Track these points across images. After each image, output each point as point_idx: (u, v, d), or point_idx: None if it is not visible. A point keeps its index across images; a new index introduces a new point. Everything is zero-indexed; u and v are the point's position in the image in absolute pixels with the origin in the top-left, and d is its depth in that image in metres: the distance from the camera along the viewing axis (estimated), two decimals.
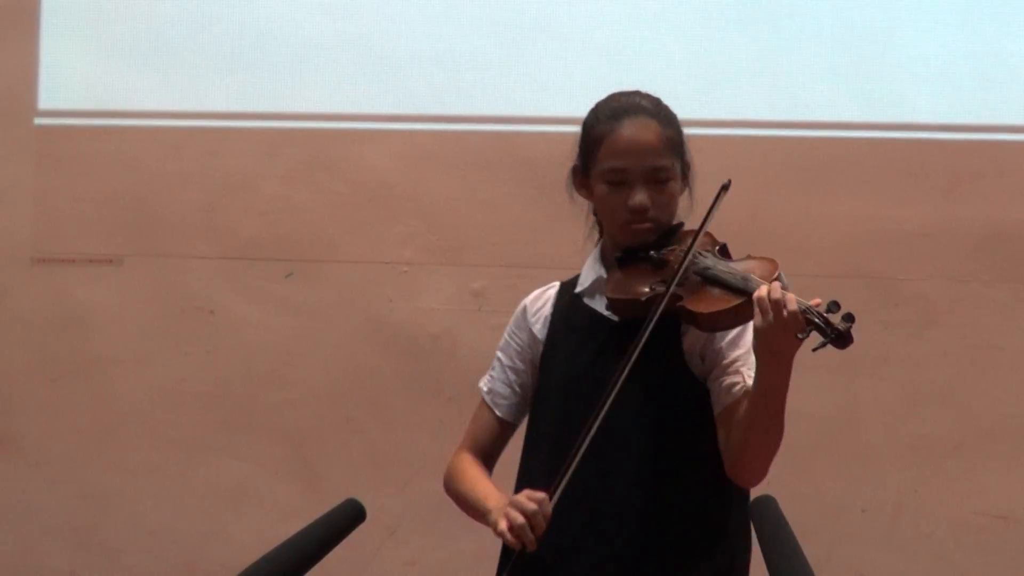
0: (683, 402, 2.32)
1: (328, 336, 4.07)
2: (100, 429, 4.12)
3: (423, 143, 4.06)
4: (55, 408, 4.14)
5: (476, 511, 2.36)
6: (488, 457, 2.51)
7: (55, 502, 4.12)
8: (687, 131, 2.42)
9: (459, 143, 4.05)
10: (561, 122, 3.95)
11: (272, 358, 4.09)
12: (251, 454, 4.08)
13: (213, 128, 4.13)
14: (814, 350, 2.13)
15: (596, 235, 2.49)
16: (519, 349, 2.50)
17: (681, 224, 2.40)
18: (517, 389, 2.50)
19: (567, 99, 3.96)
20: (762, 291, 2.15)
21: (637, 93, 2.42)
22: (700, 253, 2.30)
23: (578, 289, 2.45)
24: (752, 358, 2.23)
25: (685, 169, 2.41)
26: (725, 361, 2.30)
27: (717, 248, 2.35)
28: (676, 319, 2.28)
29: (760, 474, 2.28)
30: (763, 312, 2.14)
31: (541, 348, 2.47)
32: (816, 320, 2.11)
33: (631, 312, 2.31)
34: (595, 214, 2.49)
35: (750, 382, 2.24)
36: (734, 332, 2.29)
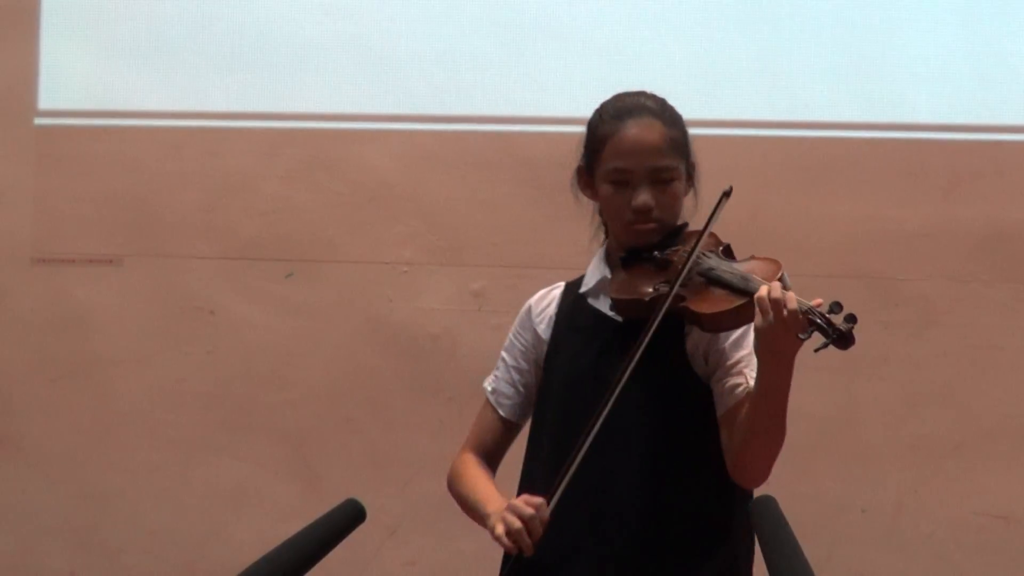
0: (686, 403, 2.33)
1: (328, 336, 4.07)
2: (100, 429, 4.12)
3: (423, 143, 4.06)
4: (55, 408, 4.14)
5: (476, 514, 2.37)
6: (492, 457, 2.51)
7: (55, 502, 4.12)
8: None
9: (459, 143, 4.05)
10: (561, 122, 3.97)
11: (272, 358, 4.09)
12: (251, 454, 4.08)
13: (213, 128, 4.12)
14: (816, 351, 2.14)
15: (602, 235, 2.48)
16: (523, 349, 2.50)
17: (685, 224, 2.40)
18: (521, 389, 2.50)
19: (567, 99, 3.96)
20: (762, 291, 2.16)
21: (642, 93, 2.42)
22: (704, 254, 2.31)
23: (583, 289, 2.45)
24: (755, 359, 2.23)
25: (690, 170, 2.41)
26: (729, 362, 2.30)
27: (721, 249, 2.35)
28: (680, 319, 2.29)
29: (762, 475, 2.28)
30: (763, 312, 2.14)
31: (545, 348, 2.47)
32: (818, 321, 2.11)
33: (635, 312, 2.31)
34: (600, 214, 2.49)
35: (753, 383, 2.24)
36: (737, 333, 2.29)
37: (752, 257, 2.33)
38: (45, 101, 4.17)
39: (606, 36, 4.01)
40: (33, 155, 4.17)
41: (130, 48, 4.14)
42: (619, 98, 2.43)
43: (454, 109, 4.05)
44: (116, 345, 4.12)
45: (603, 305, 2.40)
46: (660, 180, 2.36)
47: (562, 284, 2.53)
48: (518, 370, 2.51)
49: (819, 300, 2.15)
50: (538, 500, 2.23)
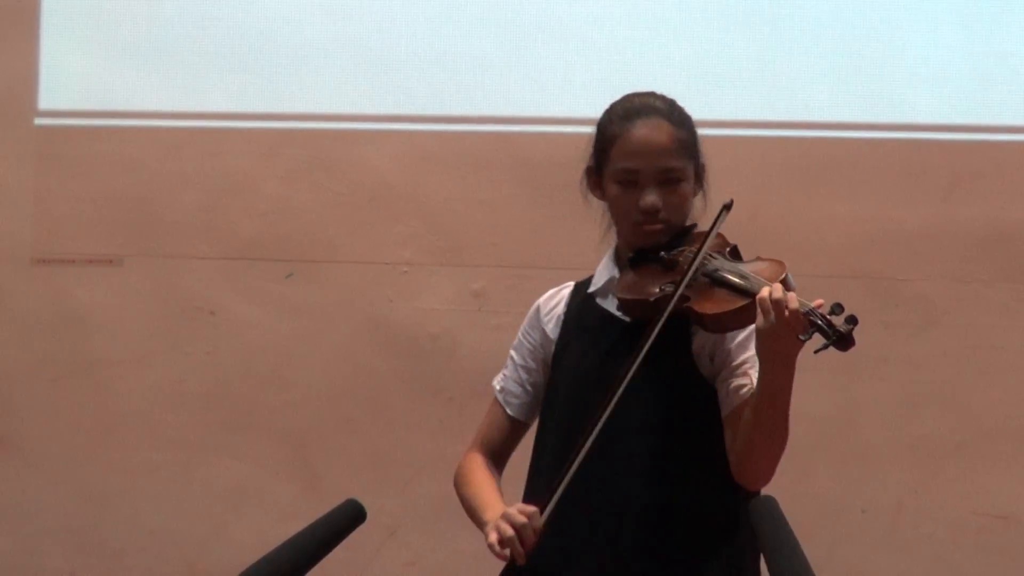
0: (691, 403, 2.33)
1: (328, 336, 4.07)
2: (100, 429, 4.12)
3: (423, 143, 4.06)
4: (55, 408, 4.14)
5: (476, 520, 2.37)
6: (499, 456, 2.52)
7: (55, 502, 4.12)
8: None
9: (459, 143, 4.05)
10: (561, 123, 3.97)
11: (272, 358, 4.09)
12: (251, 454, 4.08)
13: (213, 128, 4.12)
14: (816, 352, 2.14)
15: (612, 236, 2.48)
16: (531, 348, 2.51)
17: (694, 225, 2.41)
18: (529, 388, 2.51)
19: (567, 100, 3.97)
20: (764, 292, 2.16)
21: (651, 94, 2.43)
22: (711, 255, 2.31)
23: (591, 289, 2.46)
24: None
25: (699, 171, 2.41)
26: (734, 363, 2.30)
27: (728, 250, 2.36)
28: (685, 320, 2.29)
29: (765, 476, 2.29)
30: (765, 313, 2.15)
31: (553, 348, 2.47)
32: (818, 322, 2.12)
33: (641, 312, 2.32)
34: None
35: None
36: (743, 334, 2.29)
37: (758, 258, 2.33)
38: (45, 101, 4.17)
39: (606, 36, 4.01)
40: (33, 155, 4.17)
41: (130, 48, 4.14)
42: (628, 98, 2.43)
43: (454, 109, 4.05)
44: (116, 345, 4.12)
45: (611, 305, 2.41)
46: (668, 181, 2.36)
47: (571, 284, 2.53)
48: (526, 369, 2.51)
49: (820, 301, 2.15)
50: (531, 509, 2.23)
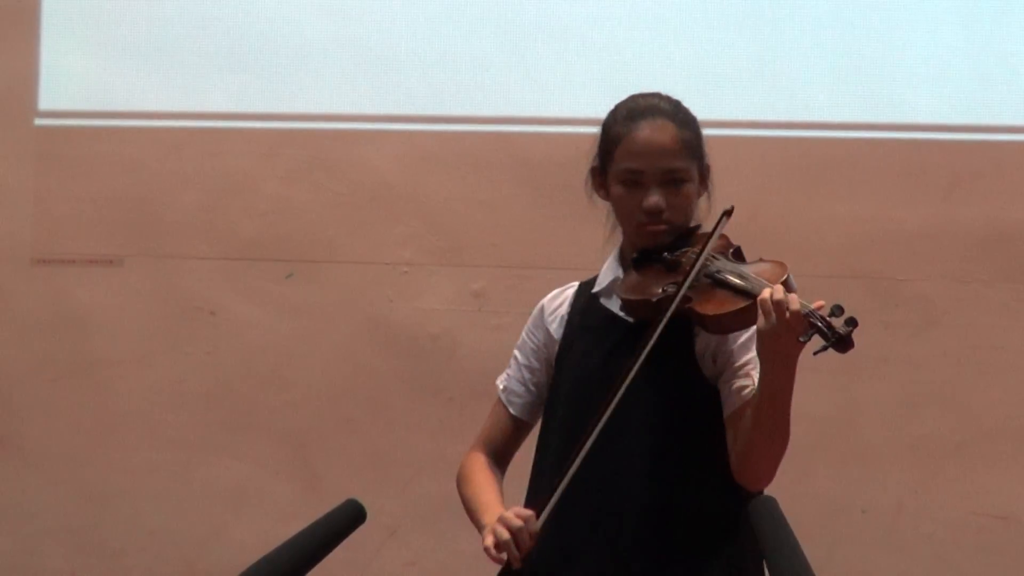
0: (693, 404, 2.33)
1: (328, 336, 4.07)
2: (100, 429, 4.12)
3: (423, 144, 4.06)
4: (55, 408, 4.14)
5: (475, 522, 2.38)
6: (501, 456, 2.51)
7: (55, 502, 4.12)
8: None
9: (459, 144, 4.05)
10: (561, 123, 3.98)
11: (272, 358, 4.09)
12: (251, 454, 4.08)
13: (213, 128, 4.12)
14: (815, 353, 2.14)
15: (617, 236, 2.48)
16: (535, 348, 2.51)
17: (698, 226, 2.41)
18: (532, 388, 2.51)
19: (567, 100, 3.97)
20: (765, 293, 2.16)
21: (657, 95, 2.43)
22: (714, 256, 2.31)
23: (595, 289, 2.46)
24: None
25: (703, 172, 2.41)
26: (736, 364, 2.30)
27: (731, 251, 2.36)
28: (688, 321, 2.29)
29: (766, 477, 2.29)
30: (765, 314, 2.15)
31: (557, 348, 2.47)
32: (818, 323, 2.12)
33: (643, 313, 2.32)
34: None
35: None
36: (746, 335, 2.29)
37: (760, 260, 2.34)
38: (45, 101, 4.17)
39: (606, 37, 4.01)
40: (33, 155, 4.17)
41: (130, 48, 4.14)
42: (633, 99, 2.44)
43: (454, 109, 4.06)
44: (116, 345, 4.12)
45: (615, 305, 2.41)
46: (672, 181, 2.36)
47: (576, 284, 2.54)
48: (529, 369, 2.51)
49: (820, 302, 2.15)
50: (527, 512, 2.24)
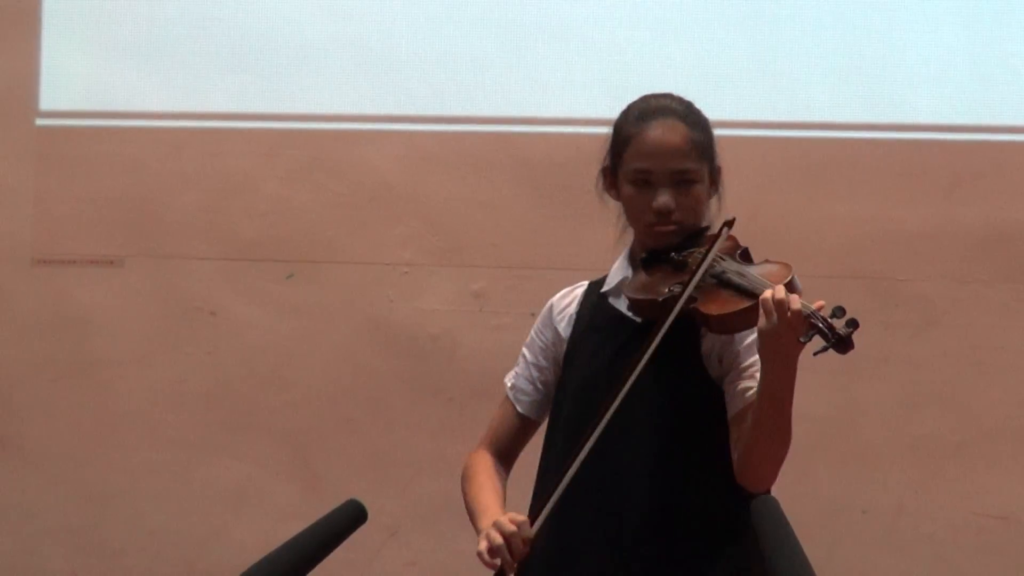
0: (698, 404, 2.33)
1: (328, 337, 4.07)
2: (101, 430, 4.12)
3: (423, 144, 4.06)
4: (56, 409, 4.14)
5: (473, 524, 2.38)
6: (507, 454, 2.52)
7: (56, 502, 4.12)
8: None
9: (459, 144, 4.05)
10: (561, 123, 3.98)
11: (273, 359, 4.09)
12: (252, 455, 4.08)
13: (214, 129, 4.12)
14: (815, 354, 2.14)
15: (629, 236, 2.48)
16: (543, 346, 2.51)
17: (708, 228, 2.41)
18: (540, 386, 2.51)
19: (567, 100, 3.97)
20: (767, 293, 2.16)
21: (669, 95, 2.43)
22: (720, 257, 2.32)
23: (604, 289, 2.46)
24: None
25: (714, 173, 2.42)
26: (742, 365, 2.30)
27: (739, 252, 2.36)
28: (694, 321, 2.29)
29: (767, 479, 2.28)
30: (767, 313, 2.15)
31: (564, 347, 2.47)
32: (819, 324, 2.12)
33: (650, 312, 2.32)
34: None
35: None
36: (752, 337, 2.29)
37: (766, 261, 2.34)
38: (46, 102, 4.17)
39: (606, 37, 4.01)
40: (34, 156, 4.17)
41: (131, 49, 4.15)
42: (645, 99, 2.44)
43: (454, 110, 4.06)
44: (117, 346, 4.12)
45: (623, 305, 2.41)
46: (681, 182, 2.36)
47: (585, 283, 2.54)
48: (537, 367, 2.51)
49: (821, 303, 2.15)
50: (521, 518, 2.24)
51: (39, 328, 4.15)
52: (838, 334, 2.11)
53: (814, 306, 2.14)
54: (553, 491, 2.26)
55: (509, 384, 2.54)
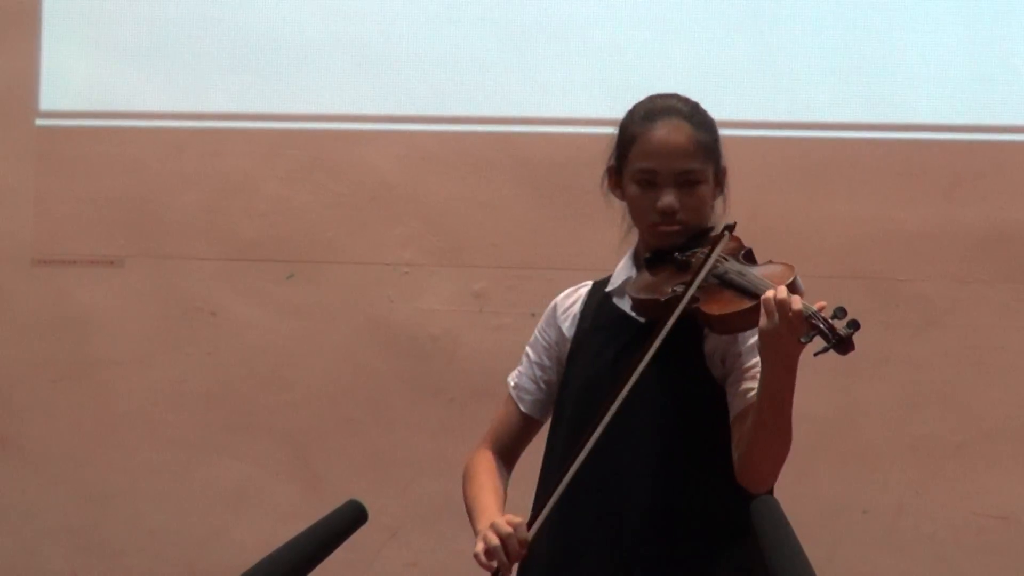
0: (701, 404, 2.33)
1: (329, 337, 4.07)
2: (101, 430, 4.12)
3: (424, 144, 4.06)
4: (56, 409, 4.14)
5: (472, 525, 2.38)
6: (509, 453, 2.51)
7: (56, 503, 4.12)
8: None
9: (460, 144, 4.05)
10: (562, 123, 3.98)
11: (273, 359, 4.09)
12: (252, 455, 4.08)
13: (214, 129, 4.12)
14: (816, 355, 2.14)
15: (634, 236, 2.48)
16: (546, 346, 2.51)
17: (711, 228, 2.41)
18: (543, 386, 2.51)
19: (568, 100, 3.97)
20: (769, 293, 2.17)
21: (675, 96, 2.44)
22: (724, 257, 2.32)
23: (608, 288, 2.46)
24: None
25: (719, 174, 2.42)
26: (744, 366, 2.30)
27: (742, 253, 2.37)
28: (695, 321, 2.30)
29: (768, 479, 2.28)
30: (768, 313, 2.15)
31: (568, 346, 2.47)
32: (820, 325, 2.12)
33: (652, 312, 2.33)
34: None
35: None
36: (755, 338, 2.29)
37: (770, 261, 2.35)
38: (46, 102, 4.17)
39: (606, 37, 4.01)
40: (34, 156, 4.17)
41: (131, 49, 4.14)
42: (651, 99, 2.44)
43: (454, 110, 4.06)
44: (117, 346, 4.12)
45: (627, 305, 2.41)
46: (686, 183, 2.36)
47: (589, 283, 2.54)
48: (541, 366, 2.51)
49: (822, 303, 2.15)
50: (517, 519, 2.24)
51: (39, 328, 4.15)
52: (839, 335, 2.11)
53: (815, 307, 2.14)
54: (553, 492, 2.26)
55: (512, 383, 2.54)
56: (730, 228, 2.34)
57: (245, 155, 4.12)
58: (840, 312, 2.13)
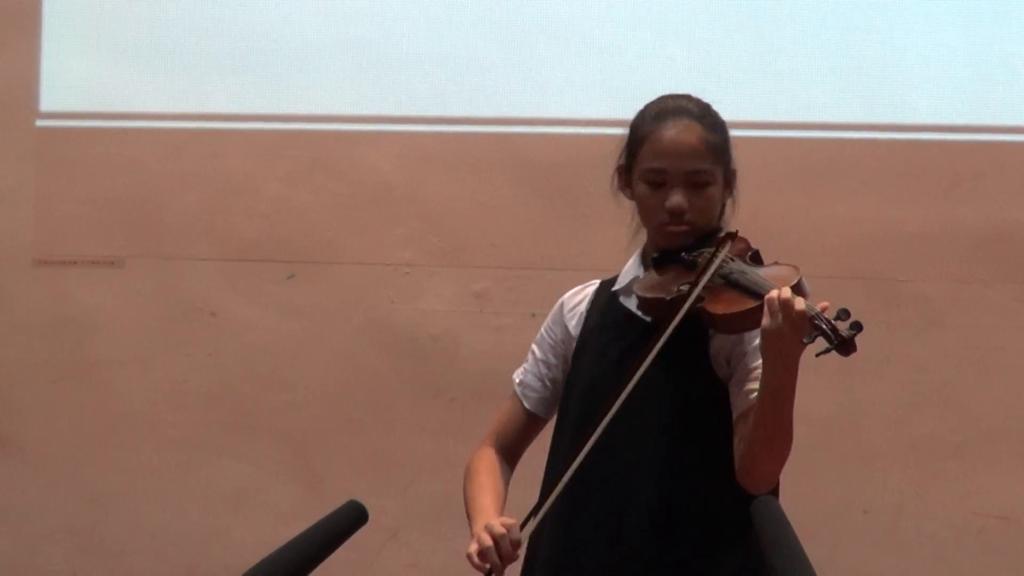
0: (705, 405, 2.33)
1: (329, 338, 4.07)
2: (101, 430, 4.12)
3: (424, 145, 4.06)
4: (56, 409, 4.14)
5: (469, 525, 2.38)
6: (512, 451, 2.51)
7: (56, 503, 4.12)
8: None
9: (460, 145, 4.05)
10: (562, 124, 3.98)
11: (273, 360, 4.09)
12: (252, 456, 4.08)
13: (214, 130, 4.12)
14: (818, 355, 2.15)
15: (643, 236, 2.48)
16: (552, 344, 2.51)
17: (719, 229, 2.41)
18: (548, 383, 2.51)
19: (568, 101, 3.97)
20: (772, 293, 2.17)
21: (686, 97, 2.44)
22: (730, 258, 2.32)
23: (615, 287, 2.46)
24: None
25: (729, 176, 2.42)
26: (749, 367, 2.31)
27: (749, 254, 2.37)
28: (700, 321, 2.30)
29: (768, 479, 2.28)
30: (771, 313, 2.15)
31: (574, 345, 2.47)
32: (823, 326, 2.12)
33: (658, 311, 2.33)
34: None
35: None
36: (760, 339, 2.29)
37: (776, 263, 2.35)
38: (46, 103, 4.17)
39: (607, 37, 4.00)
40: (34, 157, 4.17)
41: (131, 50, 4.15)
42: (662, 100, 2.45)
43: (455, 111, 4.06)
44: (117, 347, 4.12)
45: (633, 304, 2.41)
46: (695, 183, 2.36)
47: (597, 282, 2.54)
48: (546, 364, 2.51)
49: (825, 303, 2.16)
50: (511, 521, 2.24)
51: (40, 329, 4.15)
52: (841, 336, 2.11)
53: (818, 307, 2.15)
54: (550, 491, 2.26)
55: (517, 380, 2.54)
56: (731, 236, 2.35)
57: (245, 156, 4.12)
58: (844, 314, 2.13)
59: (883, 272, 3.91)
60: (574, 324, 2.49)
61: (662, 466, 2.32)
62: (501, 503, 2.41)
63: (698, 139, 2.37)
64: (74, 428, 4.13)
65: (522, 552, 2.30)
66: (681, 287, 2.31)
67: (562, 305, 2.53)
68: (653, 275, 2.39)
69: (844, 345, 2.12)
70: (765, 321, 2.16)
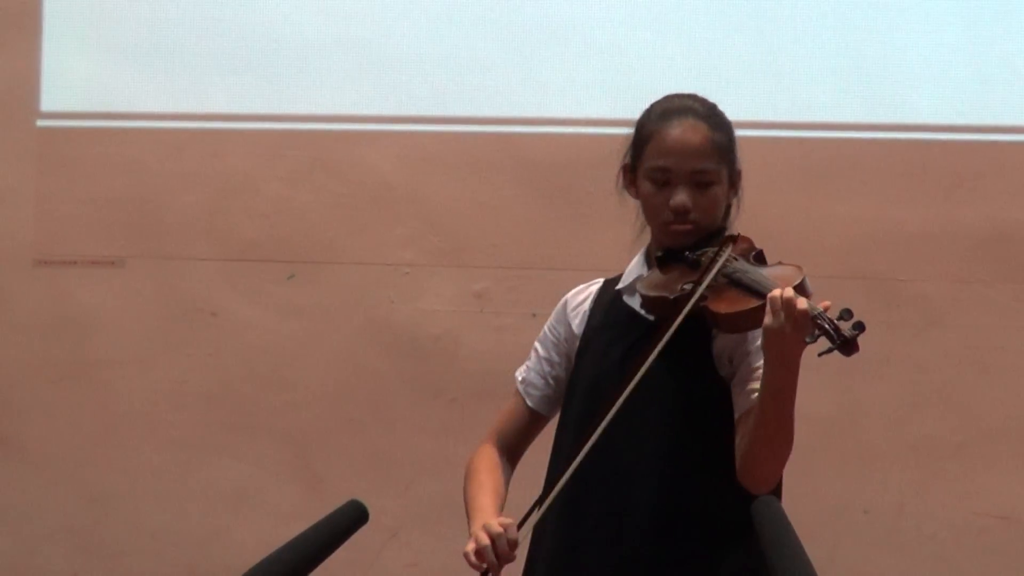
0: (708, 404, 2.33)
1: (330, 338, 4.07)
2: (101, 431, 4.12)
3: (425, 145, 4.06)
4: (57, 409, 4.14)
5: (469, 526, 2.38)
6: (514, 449, 2.51)
7: (56, 503, 4.12)
8: None
9: (461, 145, 4.05)
10: (562, 124, 3.98)
11: (274, 360, 4.09)
12: (253, 456, 4.08)
13: (215, 130, 4.13)
14: (820, 355, 2.15)
15: (648, 234, 2.49)
16: (555, 342, 2.51)
17: (724, 229, 2.41)
18: (551, 381, 2.51)
19: (568, 101, 3.97)
20: (775, 292, 2.17)
21: (693, 96, 2.45)
22: (734, 257, 2.33)
23: (619, 286, 2.46)
24: None
25: (734, 176, 2.42)
26: (752, 366, 2.31)
27: (753, 254, 2.37)
28: (703, 320, 2.30)
29: (769, 479, 2.28)
30: (774, 312, 2.16)
31: (577, 343, 2.47)
32: (825, 325, 2.13)
33: (661, 310, 2.33)
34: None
35: None
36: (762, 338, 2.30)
37: (780, 263, 2.35)
38: (47, 103, 4.17)
39: (607, 37, 4.01)
40: (35, 157, 4.17)
41: (132, 50, 4.15)
42: (668, 99, 2.45)
43: (455, 111, 4.06)
44: (118, 347, 4.12)
45: (637, 303, 2.41)
46: (700, 183, 2.37)
47: (601, 280, 2.54)
48: (549, 362, 2.51)
49: (827, 303, 2.16)
50: (508, 520, 2.24)
51: (40, 329, 4.15)
52: (843, 336, 2.12)
53: (821, 307, 2.15)
54: (550, 491, 2.26)
55: (520, 378, 2.54)
56: (733, 239, 2.36)
57: (246, 156, 4.12)
58: (846, 314, 2.14)
59: (883, 272, 3.91)
60: (577, 322, 2.49)
61: (663, 465, 2.32)
62: (500, 502, 2.41)
63: (703, 138, 2.37)
64: (74, 428, 4.13)
65: (521, 552, 2.30)
66: (685, 286, 2.31)
67: (566, 303, 2.53)
68: (657, 274, 2.40)
69: (847, 345, 2.12)
70: (767, 320, 2.16)
